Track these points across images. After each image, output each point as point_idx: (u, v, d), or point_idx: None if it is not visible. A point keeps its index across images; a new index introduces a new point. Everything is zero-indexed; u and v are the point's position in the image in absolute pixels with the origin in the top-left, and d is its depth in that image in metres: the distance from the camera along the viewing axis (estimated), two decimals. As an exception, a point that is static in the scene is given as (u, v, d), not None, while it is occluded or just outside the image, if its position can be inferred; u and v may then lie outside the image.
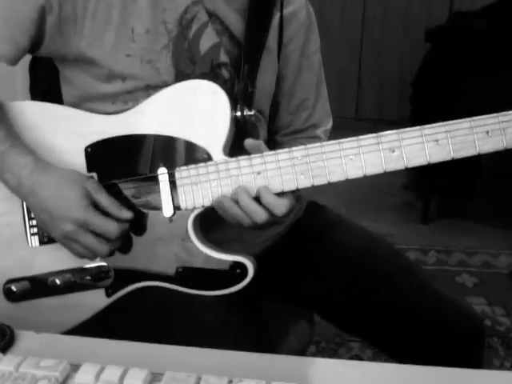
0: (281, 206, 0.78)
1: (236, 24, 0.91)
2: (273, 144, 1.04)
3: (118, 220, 0.82)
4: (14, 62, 0.89)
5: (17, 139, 0.86)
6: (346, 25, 3.85)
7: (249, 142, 0.80)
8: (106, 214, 0.82)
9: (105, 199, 0.83)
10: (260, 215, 0.78)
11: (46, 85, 1.04)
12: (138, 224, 0.85)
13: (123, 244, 0.86)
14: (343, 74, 3.90)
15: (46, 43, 0.88)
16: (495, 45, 2.39)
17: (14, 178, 0.83)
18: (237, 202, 0.79)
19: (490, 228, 2.62)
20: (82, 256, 0.84)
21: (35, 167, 0.83)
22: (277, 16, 0.95)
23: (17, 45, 0.87)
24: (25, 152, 0.84)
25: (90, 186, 0.82)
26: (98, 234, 0.81)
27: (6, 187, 0.86)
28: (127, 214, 0.83)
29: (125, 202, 0.85)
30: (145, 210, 0.85)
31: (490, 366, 1.74)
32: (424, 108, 2.62)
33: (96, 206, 0.82)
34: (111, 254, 0.85)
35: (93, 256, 0.84)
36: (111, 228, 0.81)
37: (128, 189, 0.86)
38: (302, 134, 1.06)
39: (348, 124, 3.60)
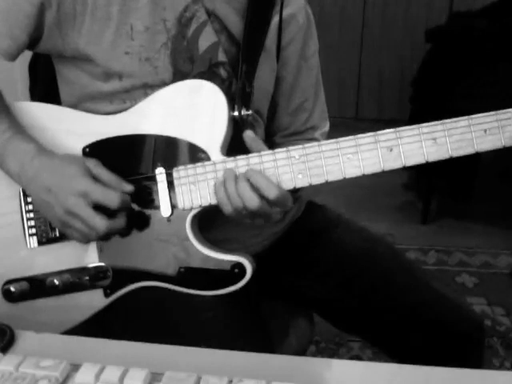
0: (272, 189, 0.77)
1: (235, 24, 0.91)
2: (270, 145, 1.03)
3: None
4: (12, 57, 0.89)
5: (19, 128, 0.86)
6: (345, 25, 3.85)
7: (248, 134, 0.80)
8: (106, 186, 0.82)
9: (105, 173, 0.83)
10: (252, 199, 0.77)
11: (45, 86, 1.04)
12: (137, 224, 0.85)
13: (122, 243, 0.86)
14: (343, 74, 3.90)
15: (44, 39, 0.88)
16: (495, 45, 2.38)
17: (17, 164, 0.83)
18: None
19: (490, 228, 2.62)
20: (82, 237, 0.83)
21: (37, 153, 0.83)
22: (276, 17, 0.94)
23: (16, 40, 0.87)
24: (27, 139, 0.85)
25: (90, 162, 0.83)
26: (98, 208, 0.81)
27: (3, 187, 0.87)
28: (128, 187, 0.83)
29: None
30: (143, 210, 0.85)
31: (490, 366, 1.74)
32: (424, 108, 2.62)
33: (97, 180, 0.82)
34: (114, 234, 0.84)
35: (92, 234, 0.82)
36: (112, 196, 0.81)
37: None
38: (301, 136, 1.06)
39: (348, 124, 3.60)
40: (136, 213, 0.85)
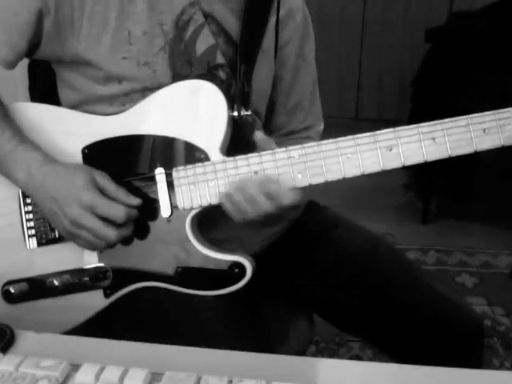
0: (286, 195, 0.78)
1: (232, 25, 0.91)
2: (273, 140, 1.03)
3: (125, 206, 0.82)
4: (11, 65, 0.89)
5: (23, 137, 0.86)
6: (345, 25, 3.85)
7: (259, 135, 0.81)
8: (113, 200, 0.82)
9: (111, 186, 0.83)
10: (266, 205, 0.78)
11: (45, 86, 1.04)
12: (137, 224, 0.85)
13: (122, 244, 0.86)
14: (343, 73, 3.90)
15: (43, 46, 0.88)
16: (495, 45, 2.38)
17: (24, 173, 0.83)
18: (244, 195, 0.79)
19: (490, 228, 2.62)
20: (89, 246, 0.83)
21: (44, 160, 0.84)
22: (273, 17, 0.94)
23: (14, 48, 0.87)
24: (32, 147, 0.85)
25: (97, 174, 0.83)
26: (104, 220, 0.81)
27: (3, 188, 0.87)
28: (135, 201, 0.83)
29: None
30: (143, 211, 0.85)
31: (490, 366, 1.74)
32: (424, 108, 2.62)
33: (103, 193, 0.82)
34: (120, 242, 0.84)
35: (100, 244, 0.82)
36: (118, 210, 0.81)
37: (126, 189, 0.85)
38: (297, 135, 1.05)
39: (348, 124, 3.60)
40: (136, 213, 0.85)
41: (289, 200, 0.78)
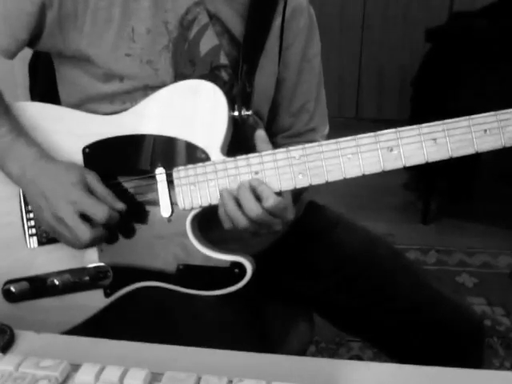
0: (270, 198, 0.77)
1: (237, 26, 0.91)
2: (272, 146, 1.03)
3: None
4: (12, 55, 0.89)
5: (22, 131, 0.87)
6: (345, 25, 3.85)
7: (260, 133, 0.81)
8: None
9: (101, 188, 0.83)
10: (254, 210, 0.77)
11: (45, 85, 1.04)
12: (137, 224, 0.85)
13: (122, 243, 0.86)
14: (343, 74, 3.91)
15: (45, 37, 0.88)
16: (495, 45, 2.38)
17: (19, 168, 0.84)
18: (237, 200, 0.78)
19: (490, 228, 2.62)
20: (67, 243, 0.84)
21: (39, 157, 0.84)
22: (278, 19, 0.94)
23: (15, 38, 0.87)
24: (30, 143, 0.85)
25: (88, 174, 0.84)
26: (86, 219, 0.81)
27: (3, 187, 0.87)
28: (120, 205, 0.84)
29: (123, 202, 0.85)
30: (143, 211, 0.85)
31: (490, 366, 1.74)
32: (424, 108, 2.62)
33: (91, 193, 0.83)
34: (94, 244, 0.84)
35: (76, 242, 0.82)
36: (102, 210, 0.81)
37: (126, 189, 0.86)
38: (302, 138, 1.05)
39: (348, 124, 3.60)
40: (136, 213, 0.85)
41: (272, 203, 0.77)
